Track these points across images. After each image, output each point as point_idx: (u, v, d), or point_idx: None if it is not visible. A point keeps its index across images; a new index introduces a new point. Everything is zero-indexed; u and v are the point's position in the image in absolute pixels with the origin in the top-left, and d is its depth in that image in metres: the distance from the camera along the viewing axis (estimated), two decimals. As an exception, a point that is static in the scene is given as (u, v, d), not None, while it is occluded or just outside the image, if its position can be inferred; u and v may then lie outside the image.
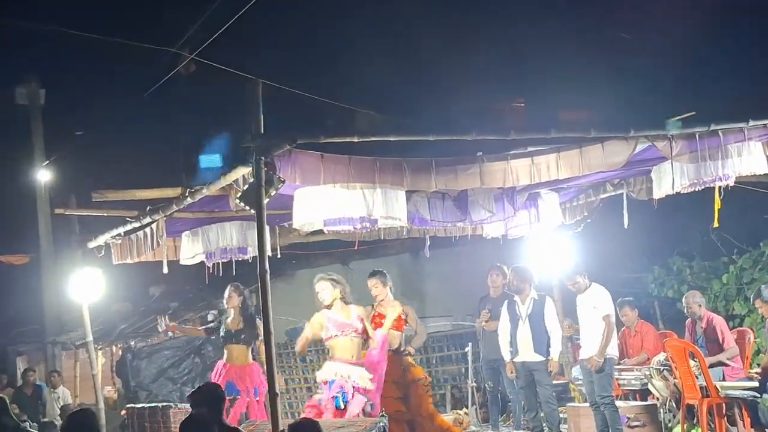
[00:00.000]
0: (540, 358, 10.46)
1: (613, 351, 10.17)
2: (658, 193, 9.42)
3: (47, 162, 18.23)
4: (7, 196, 22.13)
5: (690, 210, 13.08)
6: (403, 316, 10.06)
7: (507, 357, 10.77)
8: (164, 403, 11.55)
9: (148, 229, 10.17)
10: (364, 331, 9.38)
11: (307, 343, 9.73)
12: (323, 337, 9.45)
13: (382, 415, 8.83)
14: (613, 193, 11.01)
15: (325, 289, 9.49)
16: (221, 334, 10.99)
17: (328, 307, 9.47)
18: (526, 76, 21.03)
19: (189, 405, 7.13)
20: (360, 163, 8.02)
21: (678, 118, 8.50)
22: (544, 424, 10.63)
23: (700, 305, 10.87)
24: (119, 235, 10.66)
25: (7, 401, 11.94)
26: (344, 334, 9.30)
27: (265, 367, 7.64)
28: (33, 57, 21.41)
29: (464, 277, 15.13)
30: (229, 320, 10.93)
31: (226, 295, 11.01)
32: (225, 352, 10.94)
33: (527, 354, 10.53)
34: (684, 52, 16.66)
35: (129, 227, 10.35)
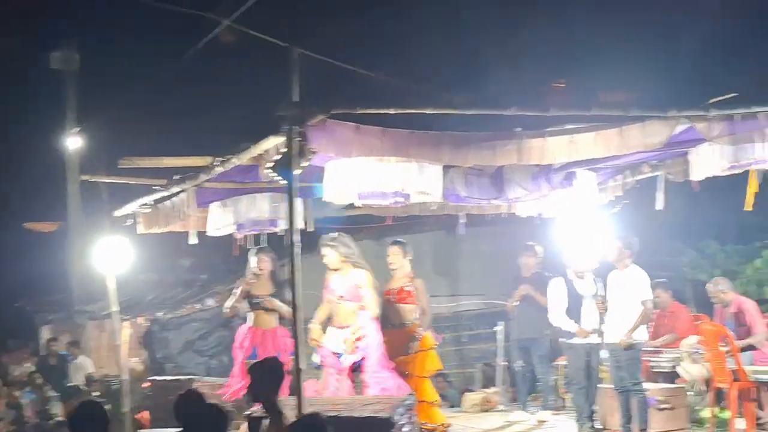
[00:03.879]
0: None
1: (642, 336, 9.88)
2: (696, 175, 9.23)
3: (79, 129, 18.08)
4: (37, 163, 22.05)
5: (727, 194, 12.83)
6: (410, 289, 9.95)
7: (573, 328, 10.13)
8: (189, 376, 11.48)
9: (177, 199, 10.05)
10: (360, 297, 9.29)
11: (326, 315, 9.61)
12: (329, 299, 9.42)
13: (411, 394, 8.72)
14: (650, 174, 10.75)
15: (327, 254, 9.42)
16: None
17: (336, 270, 9.41)
18: (567, 57, 20.81)
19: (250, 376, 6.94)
20: (395, 136, 7.82)
21: (718, 99, 8.28)
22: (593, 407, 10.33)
23: (724, 292, 10.81)
24: (146, 204, 10.55)
25: None
26: (347, 299, 9.30)
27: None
28: (69, 21, 21.29)
29: (498, 256, 14.95)
30: (255, 284, 10.53)
31: (254, 260, 10.55)
32: (251, 315, 10.55)
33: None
34: (726, 33, 16.42)
35: (157, 196, 10.24)
